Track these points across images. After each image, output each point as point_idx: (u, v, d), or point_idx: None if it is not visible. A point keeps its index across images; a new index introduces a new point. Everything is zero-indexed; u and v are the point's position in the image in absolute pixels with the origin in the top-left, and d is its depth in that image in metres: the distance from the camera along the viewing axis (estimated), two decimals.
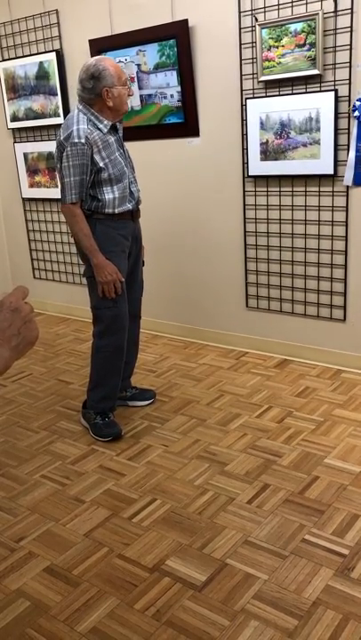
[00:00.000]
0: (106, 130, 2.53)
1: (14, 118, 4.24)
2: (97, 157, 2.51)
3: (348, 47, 2.80)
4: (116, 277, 2.57)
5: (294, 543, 1.97)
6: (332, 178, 3.01)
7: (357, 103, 2.83)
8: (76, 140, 2.46)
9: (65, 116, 3.29)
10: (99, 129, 2.52)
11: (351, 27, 2.77)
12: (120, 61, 3.50)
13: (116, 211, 2.60)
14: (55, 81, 3.90)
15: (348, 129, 2.91)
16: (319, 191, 3.08)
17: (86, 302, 2.72)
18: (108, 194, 2.57)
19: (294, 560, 1.89)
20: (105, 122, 2.53)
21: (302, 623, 1.65)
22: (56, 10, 3.81)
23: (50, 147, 4.07)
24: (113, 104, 2.51)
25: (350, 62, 2.81)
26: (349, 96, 2.86)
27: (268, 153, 3.15)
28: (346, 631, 1.62)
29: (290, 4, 2.90)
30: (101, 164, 2.52)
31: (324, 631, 1.62)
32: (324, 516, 2.08)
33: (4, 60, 4.15)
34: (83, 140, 2.46)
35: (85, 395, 2.84)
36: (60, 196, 2.66)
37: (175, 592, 1.80)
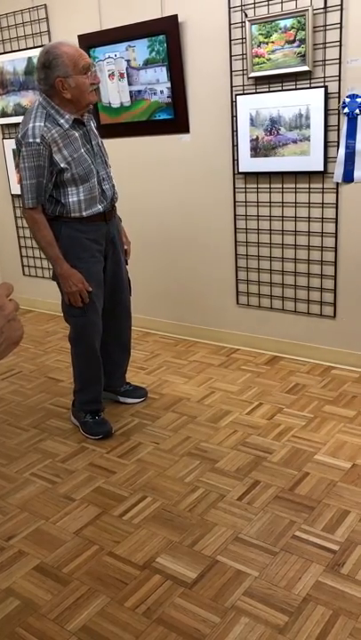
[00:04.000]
0: (67, 125, 2.33)
1: (3, 114, 4.21)
2: (57, 157, 2.32)
3: (338, 44, 2.80)
4: (82, 287, 2.44)
5: (285, 539, 1.97)
6: (322, 174, 3.02)
7: (347, 100, 2.83)
8: (31, 140, 2.26)
9: None
10: (59, 125, 2.31)
11: (341, 23, 2.77)
12: (110, 57, 3.49)
13: (85, 214, 2.44)
14: None
15: (338, 126, 2.91)
16: (309, 188, 3.08)
17: None
18: (73, 196, 2.40)
19: (285, 556, 1.90)
20: (67, 116, 2.32)
21: (293, 619, 1.66)
22: (44, 4, 3.78)
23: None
24: (71, 95, 2.28)
25: (340, 59, 2.81)
26: (339, 93, 2.86)
27: (258, 149, 3.15)
28: (336, 627, 1.62)
29: (280, 1, 2.89)
30: (63, 165, 2.34)
31: (315, 627, 1.63)
32: (315, 513, 2.09)
33: None
34: (38, 140, 2.25)
35: None
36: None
37: (166, 589, 1.80)
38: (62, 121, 2.33)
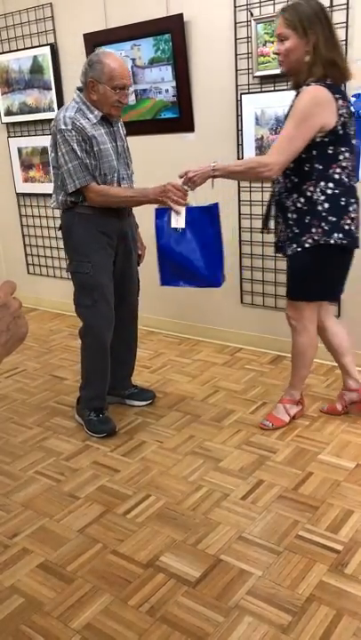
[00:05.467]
0: (95, 120, 2.46)
1: (8, 113, 4.21)
2: (92, 143, 2.46)
3: (344, 42, 2.79)
4: (174, 184, 2.44)
5: (288, 539, 1.97)
6: None
7: (353, 99, 2.82)
8: (63, 127, 2.43)
9: None
10: (87, 118, 2.45)
11: (347, 22, 2.76)
12: None
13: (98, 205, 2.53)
14: (49, 75, 3.88)
15: None
16: None
17: None
18: None
19: (288, 556, 1.90)
20: (95, 112, 2.46)
21: (296, 619, 1.66)
22: (50, 3, 3.78)
23: (44, 141, 4.05)
24: (96, 98, 2.44)
25: (346, 58, 2.80)
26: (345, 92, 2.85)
27: (263, 149, 3.14)
28: (340, 627, 1.62)
29: (285, 0, 2.89)
30: (96, 148, 2.46)
31: (318, 627, 1.63)
32: (318, 512, 2.09)
33: None
34: (69, 127, 2.41)
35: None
36: (52, 192, 2.60)
37: (169, 588, 1.80)
38: (91, 116, 2.47)
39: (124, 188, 2.54)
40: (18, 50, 4.01)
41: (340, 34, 2.78)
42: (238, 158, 3.27)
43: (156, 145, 3.60)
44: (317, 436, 2.58)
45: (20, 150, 4.28)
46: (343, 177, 2.30)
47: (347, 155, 2.29)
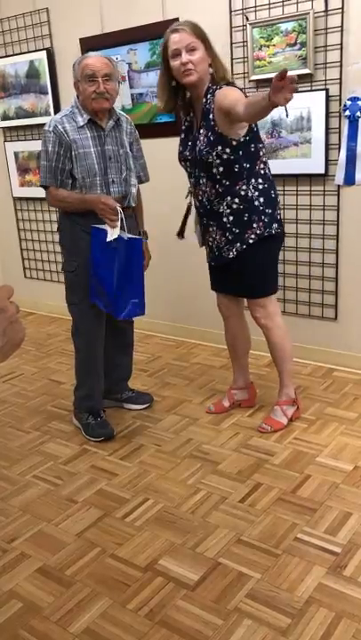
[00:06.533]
0: (82, 123, 2.48)
1: (5, 117, 4.22)
2: (69, 145, 2.49)
3: (339, 46, 2.80)
4: (106, 203, 2.44)
5: (287, 542, 1.97)
6: (324, 177, 3.02)
7: (348, 102, 2.84)
8: (46, 128, 2.51)
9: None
10: (75, 121, 2.49)
11: (342, 26, 2.78)
12: None
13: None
14: (46, 80, 3.88)
15: (339, 128, 2.92)
16: (310, 190, 3.09)
17: None
18: (75, 190, 2.54)
19: (287, 559, 1.90)
20: (84, 115, 2.49)
21: (295, 621, 1.66)
22: (46, 8, 3.79)
23: (40, 146, 4.05)
24: (82, 98, 2.48)
25: (341, 62, 2.82)
26: (340, 95, 2.86)
27: None
28: (339, 629, 1.62)
29: (280, 4, 2.90)
30: (75, 152, 2.49)
31: (318, 629, 1.63)
32: (317, 515, 2.09)
33: None
34: (50, 129, 2.48)
35: None
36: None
37: (168, 591, 1.80)
38: (80, 119, 2.50)
39: (72, 193, 2.52)
40: (14, 54, 4.02)
41: (336, 38, 2.80)
42: None
43: (152, 149, 3.59)
44: (315, 438, 2.59)
45: (16, 155, 4.28)
46: (266, 171, 2.46)
47: (263, 150, 2.45)
